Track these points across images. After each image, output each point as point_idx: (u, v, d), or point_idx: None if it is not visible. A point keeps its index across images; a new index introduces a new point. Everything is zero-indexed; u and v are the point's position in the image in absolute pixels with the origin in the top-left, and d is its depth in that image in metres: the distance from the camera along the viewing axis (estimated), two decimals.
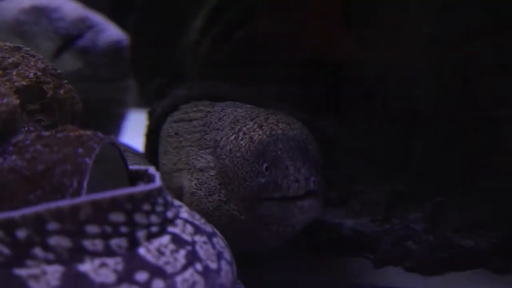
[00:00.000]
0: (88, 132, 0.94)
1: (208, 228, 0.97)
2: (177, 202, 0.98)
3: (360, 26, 1.60)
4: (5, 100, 0.97)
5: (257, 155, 1.26)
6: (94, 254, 0.79)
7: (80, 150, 0.89)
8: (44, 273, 0.76)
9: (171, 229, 0.89)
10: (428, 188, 1.51)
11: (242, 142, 1.29)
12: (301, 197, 1.22)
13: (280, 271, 1.48)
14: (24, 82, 1.19)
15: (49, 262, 0.77)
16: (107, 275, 0.79)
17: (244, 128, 1.32)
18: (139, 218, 0.84)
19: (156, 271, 0.82)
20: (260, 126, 1.30)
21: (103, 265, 0.79)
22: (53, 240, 0.77)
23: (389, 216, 1.55)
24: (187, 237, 0.90)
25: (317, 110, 1.65)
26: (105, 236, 0.80)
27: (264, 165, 1.24)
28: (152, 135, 1.66)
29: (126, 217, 0.83)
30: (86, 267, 0.78)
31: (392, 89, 1.53)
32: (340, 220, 1.59)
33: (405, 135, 1.52)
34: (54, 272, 0.77)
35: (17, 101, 1.00)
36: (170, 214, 0.90)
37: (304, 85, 1.69)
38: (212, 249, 0.93)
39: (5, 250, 0.76)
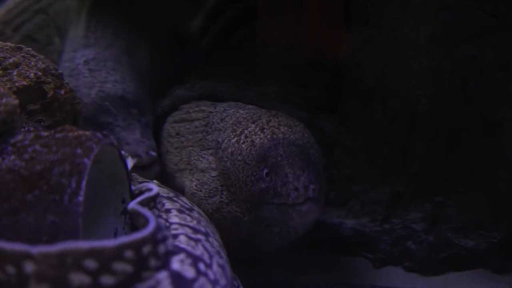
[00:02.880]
0: (87, 133, 0.94)
1: (202, 228, 1.00)
2: (167, 204, 1.02)
3: (360, 26, 1.60)
4: (4, 100, 0.97)
5: (258, 160, 1.25)
6: (173, 253, 0.84)
7: (79, 151, 0.89)
8: (158, 282, 0.78)
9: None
10: (428, 188, 1.51)
11: (243, 145, 1.29)
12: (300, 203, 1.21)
13: (280, 271, 1.48)
14: (24, 82, 1.20)
15: (157, 269, 0.79)
16: (188, 270, 0.83)
17: (246, 131, 1.31)
18: None
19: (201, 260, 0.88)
20: (262, 129, 1.30)
21: (181, 261, 0.84)
22: (161, 248, 0.80)
23: (389, 216, 1.55)
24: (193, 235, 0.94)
25: (317, 110, 1.65)
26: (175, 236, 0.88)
27: (265, 171, 1.24)
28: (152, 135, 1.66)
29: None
30: (176, 265, 0.82)
31: (392, 89, 1.53)
32: (340, 220, 1.59)
33: (405, 135, 1.52)
34: (164, 278, 0.79)
35: (16, 101, 1.00)
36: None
37: (304, 85, 1.69)
38: (212, 247, 0.95)
39: (129, 268, 0.75)
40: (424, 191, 1.52)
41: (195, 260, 0.86)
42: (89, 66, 1.54)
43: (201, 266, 0.86)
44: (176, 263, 0.83)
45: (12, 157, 0.89)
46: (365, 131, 1.59)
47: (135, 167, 1.34)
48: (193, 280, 0.83)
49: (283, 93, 1.64)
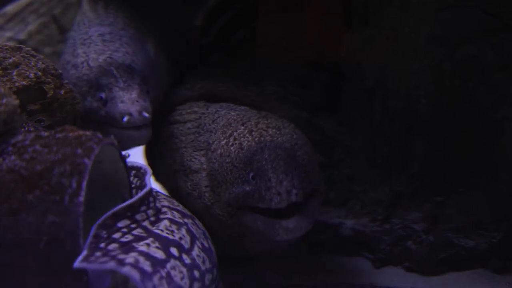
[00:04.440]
0: (87, 133, 0.94)
1: (189, 212, 1.05)
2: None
3: (360, 26, 1.60)
4: (4, 101, 0.97)
5: (245, 163, 1.25)
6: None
7: (79, 151, 0.90)
8: None
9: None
10: (428, 188, 1.51)
11: (232, 148, 1.29)
12: (286, 213, 1.19)
13: (279, 271, 1.48)
14: (24, 82, 1.20)
15: None
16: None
17: (235, 133, 1.31)
18: None
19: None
20: (250, 132, 1.29)
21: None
22: None
23: (389, 216, 1.55)
24: (179, 219, 0.96)
25: (317, 110, 1.65)
26: None
27: (251, 174, 1.23)
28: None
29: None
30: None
31: (392, 89, 1.53)
32: (340, 220, 1.59)
33: (405, 135, 1.52)
34: None
35: (16, 101, 1.01)
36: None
37: (304, 85, 1.69)
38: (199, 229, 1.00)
39: None
40: (424, 191, 1.52)
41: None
42: (104, 38, 1.52)
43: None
44: None
45: (13, 157, 0.90)
46: (365, 131, 1.59)
47: (126, 127, 1.34)
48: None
49: (283, 93, 1.64)
